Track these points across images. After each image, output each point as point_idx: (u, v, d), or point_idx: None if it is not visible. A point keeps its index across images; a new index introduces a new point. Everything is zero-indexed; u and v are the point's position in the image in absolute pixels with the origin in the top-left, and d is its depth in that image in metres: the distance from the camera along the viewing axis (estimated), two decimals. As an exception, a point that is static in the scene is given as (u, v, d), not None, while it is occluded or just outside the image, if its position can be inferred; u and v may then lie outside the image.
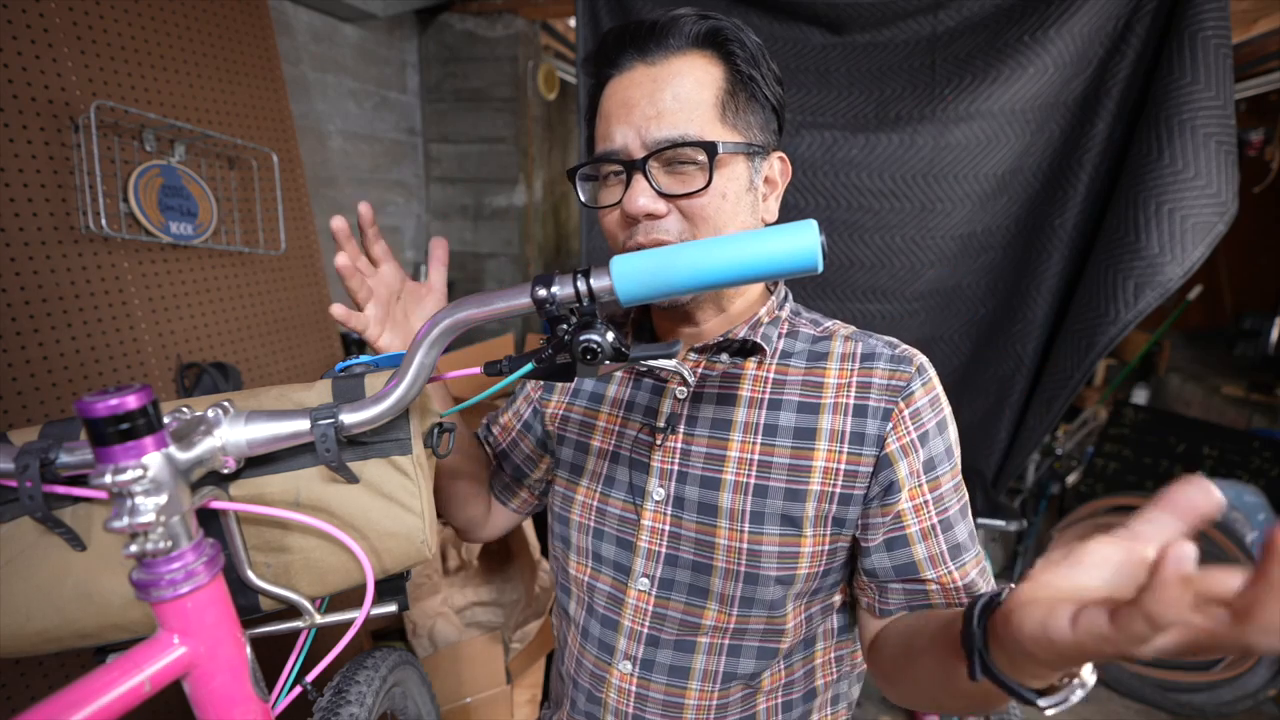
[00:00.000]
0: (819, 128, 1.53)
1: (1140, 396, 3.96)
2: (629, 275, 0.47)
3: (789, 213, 1.58)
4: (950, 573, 0.63)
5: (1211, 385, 3.67)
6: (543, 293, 0.47)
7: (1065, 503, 3.07)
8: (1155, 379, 4.08)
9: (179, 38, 1.44)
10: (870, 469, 0.63)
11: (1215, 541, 2.45)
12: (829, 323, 0.72)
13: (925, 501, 0.63)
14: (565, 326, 0.49)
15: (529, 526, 1.84)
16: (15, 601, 0.49)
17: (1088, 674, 0.41)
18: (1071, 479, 3.15)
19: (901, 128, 1.48)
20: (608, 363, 0.48)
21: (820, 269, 0.45)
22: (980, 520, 1.72)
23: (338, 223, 0.66)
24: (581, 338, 0.47)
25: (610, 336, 0.47)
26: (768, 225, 0.68)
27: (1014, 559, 2.93)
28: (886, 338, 0.69)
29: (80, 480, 0.47)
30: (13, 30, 1.14)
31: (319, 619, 0.56)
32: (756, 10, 1.60)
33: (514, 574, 1.95)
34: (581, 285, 0.47)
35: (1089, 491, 3.00)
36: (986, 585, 0.65)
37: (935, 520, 0.63)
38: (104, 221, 1.24)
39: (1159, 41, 1.35)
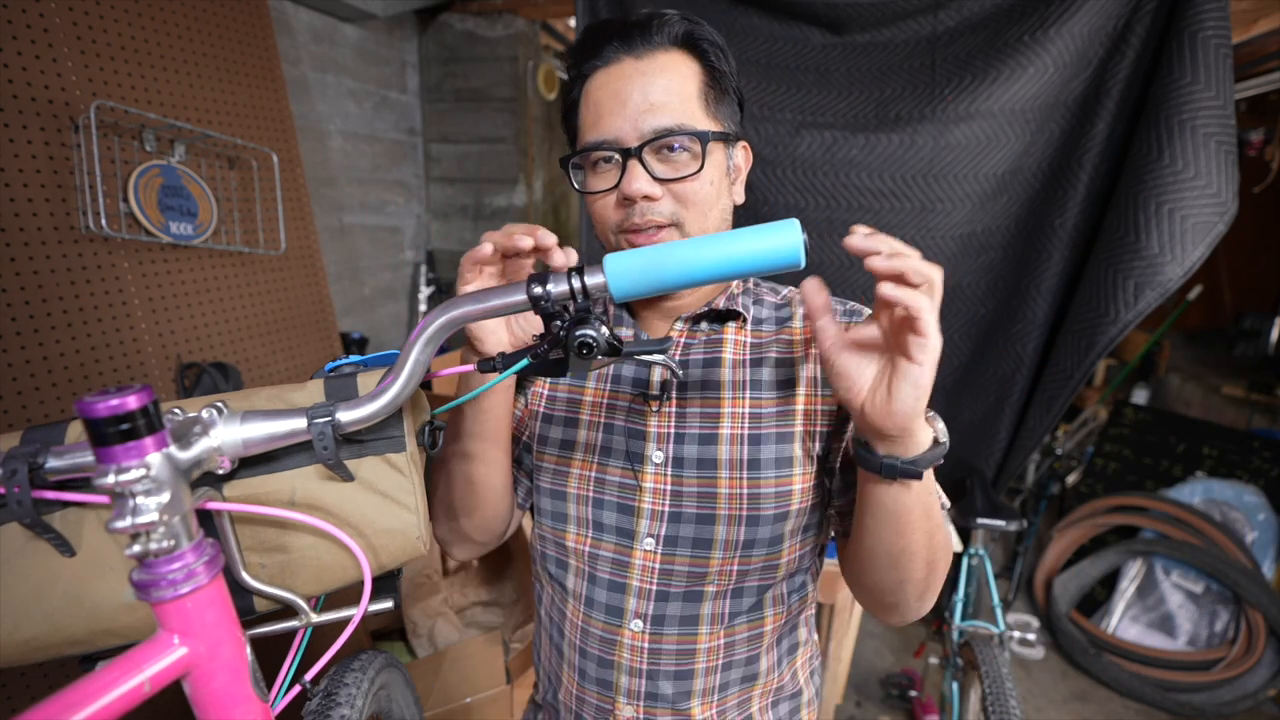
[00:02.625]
0: (819, 128, 1.53)
1: (1140, 396, 3.96)
2: (622, 273, 0.48)
3: (790, 213, 1.58)
4: None
5: (1211, 385, 3.68)
6: (538, 290, 0.48)
7: (1065, 503, 3.07)
8: (1155, 379, 4.08)
9: (179, 38, 1.44)
10: (835, 406, 0.71)
11: (1215, 541, 2.46)
12: (785, 290, 0.79)
13: None
14: (559, 323, 0.49)
15: (527, 525, 1.84)
16: (2, 610, 0.48)
17: (928, 435, 0.56)
18: (1071, 479, 3.15)
19: (901, 128, 1.48)
20: (600, 357, 0.49)
21: (803, 265, 0.47)
22: (980, 520, 1.72)
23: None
24: (577, 333, 0.48)
25: (605, 332, 0.49)
26: (738, 206, 0.75)
27: (1014, 559, 2.93)
28: (838, 298, 0.75)
29: (68, 485, 0.47)
30: (13, 30, 1.15)
31: (315, 618, 0.56)
32: (756, 10, 1.60)
33: (514, 574, 1.95)
34: (576, 282, 0.48)
35: (1089, 491, 3.00)
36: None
37: None
38: (104, 221, 1.24)
39: (1159, 41, 1.35)
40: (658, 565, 0.72)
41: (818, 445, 0.71)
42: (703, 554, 0.71)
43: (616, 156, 0.67)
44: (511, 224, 0.61)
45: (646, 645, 0.73)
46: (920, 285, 0.48)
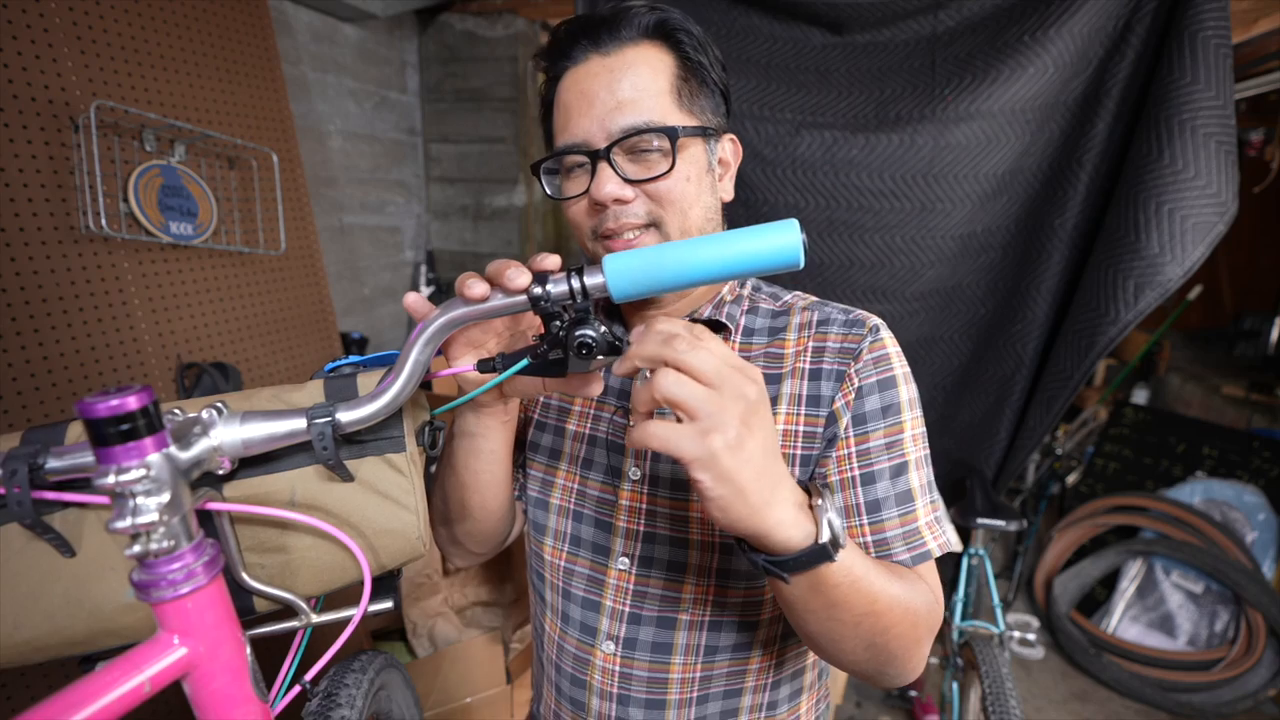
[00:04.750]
0: (819, 128, 1.53)
1: (1140, 396, 3.96)
2: (621, 273, 0.48)
3: (790, 213, 1.58)
4: (861, 526, 0.63)
5: (1211, 385, 3.67)
6: (538, 290, 0.48)
7: (1065, 503, 3.07)
8: (1155, 379, 4.08)
9: (179, 38, 1.44)
10: (821, 429, 0.66)
11: (1215, 541, 2.46)
12: (788, 296, 0.75)
13: (849, 454, 0.64)
14: (559, 323, 0.49)
15: (528, 525, 1.84)
16: (2, 610, 0.48)
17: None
18: (1071, 479, 3.15)
19: (901, 128, 1.48)
20: (600, 357, 0.49)
21: (802, 265, 0.47)
22: (980, 520, 1.72)
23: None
24: (577, 333, 0.48)
25: (604, 331, 0.48)
26: (726, 204, 0.72)
27: (1014, 559, 2.93)
28: (843, 305, 0.71)
29: (68, 485, 0.47)
30: (13, 30, 1.15)
31: (315, 618, 0.56)
32: (756, 10, 1.60)
33: (514, 574, 1.95)
34: (575, 283, 0.48)
35: (1089, 491, 3.00)
36: (905, 548, 0.63)
37: (856, 473, 0.64)
38: (104, 221, 1.24)
39: (1159, 42, 1.35)
40: (631, 586, 0.69)
41: (798, 469, 0.66)
42: (676, 578, 0.68)
43: (586, 160, 0.65)
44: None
45: (618, 669, 0.70)
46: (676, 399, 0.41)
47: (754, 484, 0.44)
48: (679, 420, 0.43)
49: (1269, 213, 3.91)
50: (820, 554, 0.47)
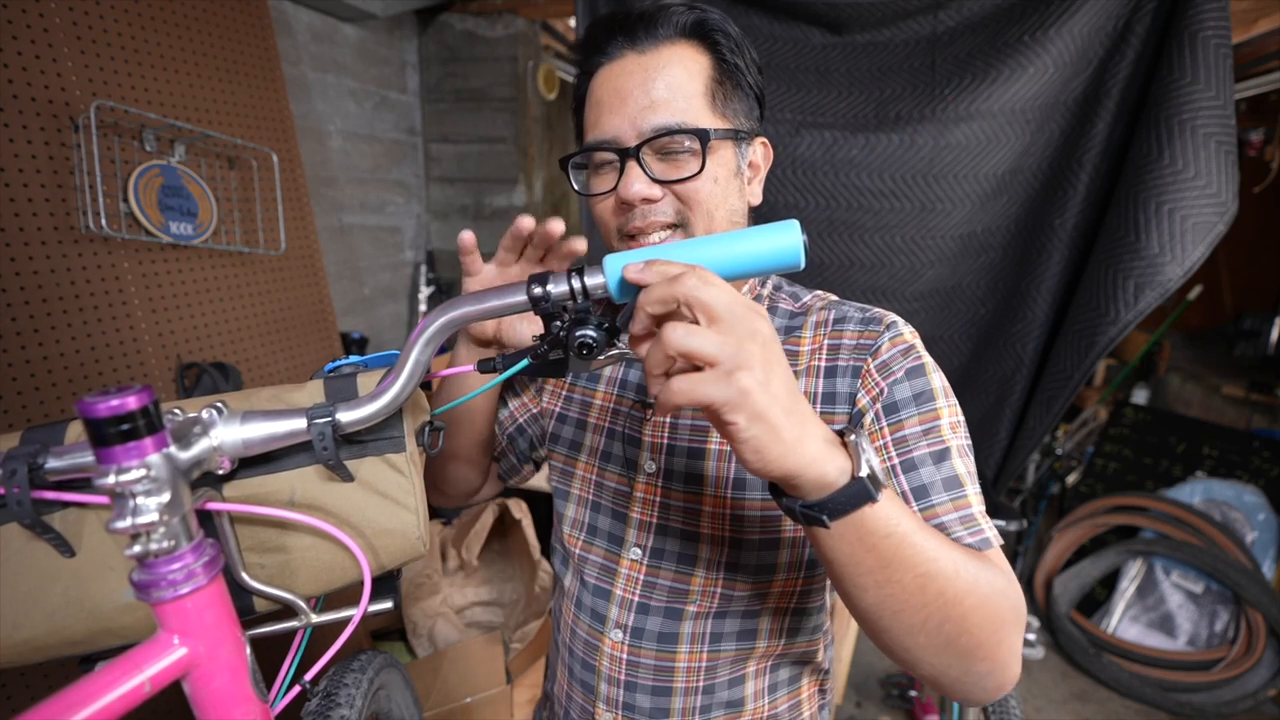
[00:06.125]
0: (819, 128, 1.53)
1: (1140, 396, 3.96)
2: (621, 272, 0.47)
3: (790, 213, 1.58)
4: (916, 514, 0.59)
5: (1211, 385, 3.67)
6: (538, 290, 0.48)
7: (1065, 503, 3.07)
8: (1155, 379, 4.08)
9: (179, 38, 1.44)
10: (839, 427, 0.62)
11: (1215, 541, 2.45)
12: (808, 297, 0.74)
13: (885, 443, 0.62)
14: (559, 323, 0.49)
15: (528, 526, 1.84)
16: (1, 610, 0.48)
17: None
18: (1071, 479, 3.15)
19: (901, 128, 1.48)
20: (601, 357, 0.49)
21: (803, 266, 0.47)
22: (980, 520, 1.72)
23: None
24: (577, 333, 0.48)
25: (604, 332, 0.48)
26: (753, 208, 0.72)
27: (1014, 559, 2.93)
28: (861, 304, 0.70)
29: (68, 485, 0.47)
30: (13, 30, 1.14)
31: (314, 618, 0.56)
32: (756, 10, 1.60)
33: (514, 574, 1.95)
34: (576, 283, 0.48)
35: (1089, 491, 3.00)
36: (966, 532, 0.57)
37: (896, 461, 0.61)
38: (104, 221, 1.24)
39: (1159, 41, 1.35)
40: (642, 576, 0.71)
41: None
42: (686, 570, 0.69)
43: (615, 157, 0.64)
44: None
45: (625, 656, 0.71)
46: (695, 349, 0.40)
47: (785, 419, 0.42)
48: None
49: (1269, 213, 3.91)
50: (861, 491, 0.44)
